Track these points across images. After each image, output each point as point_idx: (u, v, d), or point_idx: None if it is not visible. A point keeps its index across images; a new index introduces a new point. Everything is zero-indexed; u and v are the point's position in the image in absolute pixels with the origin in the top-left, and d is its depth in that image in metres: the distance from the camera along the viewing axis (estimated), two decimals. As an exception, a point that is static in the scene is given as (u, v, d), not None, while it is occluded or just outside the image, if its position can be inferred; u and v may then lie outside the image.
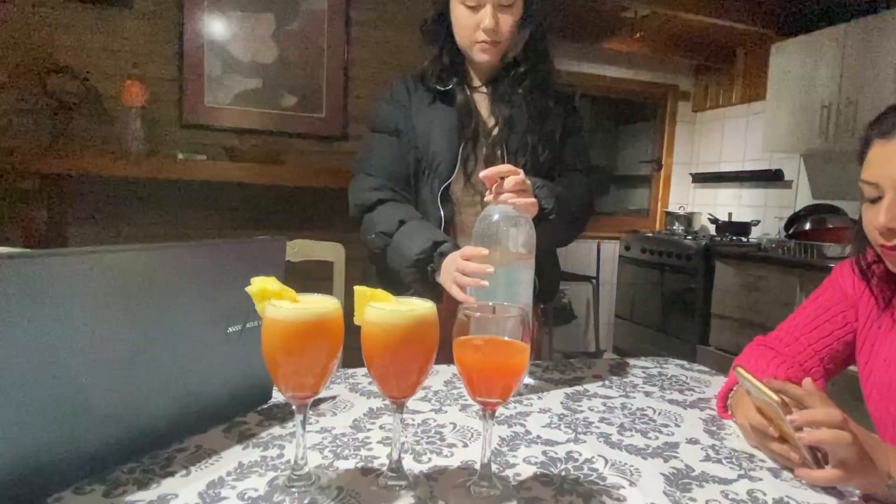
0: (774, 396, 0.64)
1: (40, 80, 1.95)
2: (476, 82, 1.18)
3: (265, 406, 0.84)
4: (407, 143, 1.16)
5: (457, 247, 1.01)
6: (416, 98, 1.17)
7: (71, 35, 2.02)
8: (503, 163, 1.06)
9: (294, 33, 2.31)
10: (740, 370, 0.69)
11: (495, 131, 1.15)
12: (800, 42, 3.22)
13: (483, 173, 0.91)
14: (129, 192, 2.09)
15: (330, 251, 1.70)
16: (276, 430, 0.76)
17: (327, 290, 1.72)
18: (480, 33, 1.07)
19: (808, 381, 0.71)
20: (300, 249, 1.67)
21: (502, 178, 0.90)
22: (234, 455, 0.68)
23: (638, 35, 3.76)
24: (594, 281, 3.72)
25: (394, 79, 1.22)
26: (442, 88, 1.15)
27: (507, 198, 0.88)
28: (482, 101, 1.18)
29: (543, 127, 1.15)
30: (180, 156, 2.06)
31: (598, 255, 4.05)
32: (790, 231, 3.23)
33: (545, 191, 1.01)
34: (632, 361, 1.17)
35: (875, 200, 0.72)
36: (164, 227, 2.18)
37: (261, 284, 0.59)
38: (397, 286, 1.20)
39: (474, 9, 1.07)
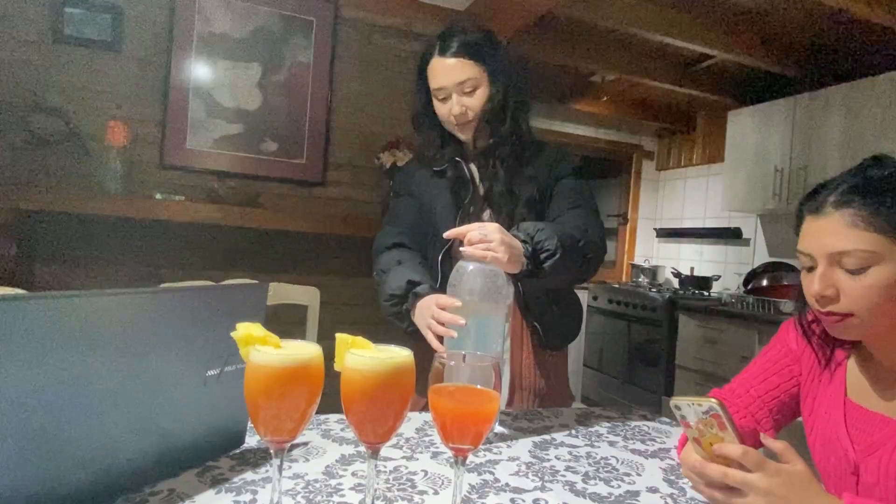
0: (713, 400, 0.67)
1: (23, 119, 1.96)
2: (471, 155, 1.28)
3: (237, 451, 0.85)
4: (419, 205, 1.29)
5: (433, 290, 1.06)
6: (419, 176, 1.31)
7: (57, 74, 2.05)
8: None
9: (279, 83, 2.39)
10: (675, 398, 0.71)
11: (482, 200, 1.24)
12: (754, 111, 3.47)
13: (446, 234, 1.00)
14: (103, 231, 2.08)
15: (305, 295, 1.72)
16: (249, 475, 0.77)
17: (300, 334, 1.73)
18: (452, 118, 1.21)
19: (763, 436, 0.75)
20: (276, 292, 1.69)
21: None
22: (207, 499, 0.69)
23: (605, 98, 3.99)
24: (563, 330, 3.78)
25: (411, 158, 1.38)
26: (437, 168, 1.27)
27: (464, 250, 0.93)
28: (477, 174, 1.28)
29: (524, 189, 1.23)
30: (158, 196, 2.07)
31: (567, 305, 4.13)
32: (748, 286, 3.38)
33: (545, 232, 1.04)
34: (597, 411, 1.21)
35: (811, 269, 0.79)
36: (137, 266, 2.16)
37: (246, 330, 0.62)
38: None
39: (444, 100, 1.21)
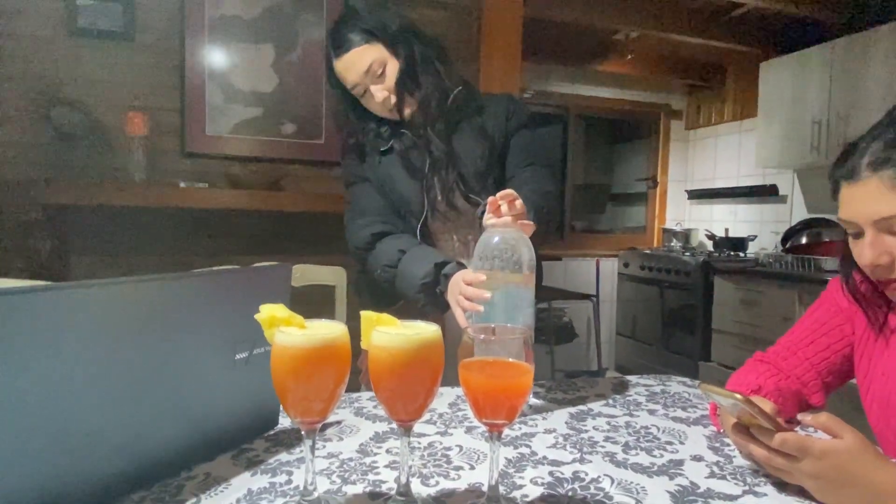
0: (738, 396, 0.65)
1: (44, 114, 1.98)
2: (411, 125, 1.22)
3: (272, 432, 0.85)
4: (380, 188, 1.23)
5: (460, 265, 1.04)
6: (368, 161, 1.25)
7: (73, 68, 2.06)
8: (459, 191, 1.18)
9: (293, 62, 2.36)
10: (703, 385, 0.70)
11: (441, 165, 1.20)
12: (788, 60, 3.29)
13: (489, 200, 0.94)
14: (131, 221, 2.11)
15: (332, 275, 1.72)
16: (284, 456, 0.76)
17: (330, 313, 1.73)
18: (379, 106, 1.18)
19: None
20: (302, 274, 1.69)
21: (511, 201, 0.92)
22: (244, 482, 0.69)
23: (629, 56, 3.84)
24: (594, 299, 3.73)
25: (345, 147, 1.30)
26: (382, 149, 1.23)
27: (506, 220, 0.90)
28: (428, 142, 1.23)
29: (472, 146, 1.20)
30: (182, 184, 2.08)
31: (597, 273, 4.07)
32: (787, 245, 3.26)
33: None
34: (634, 379, 1.18)
35: (857, 235, 0.74)
36: (166, 255, 2.19)
37: (269, 311, 0.61)
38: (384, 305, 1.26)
39: (364, 94, 1.18)
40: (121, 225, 2.11)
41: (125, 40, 2.12)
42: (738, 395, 0.65)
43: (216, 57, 2.25)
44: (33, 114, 2.00)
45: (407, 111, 1.19)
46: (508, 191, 0.93)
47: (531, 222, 0.95)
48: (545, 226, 1.08)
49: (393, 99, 1.17)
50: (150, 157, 2.10)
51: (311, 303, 1.80)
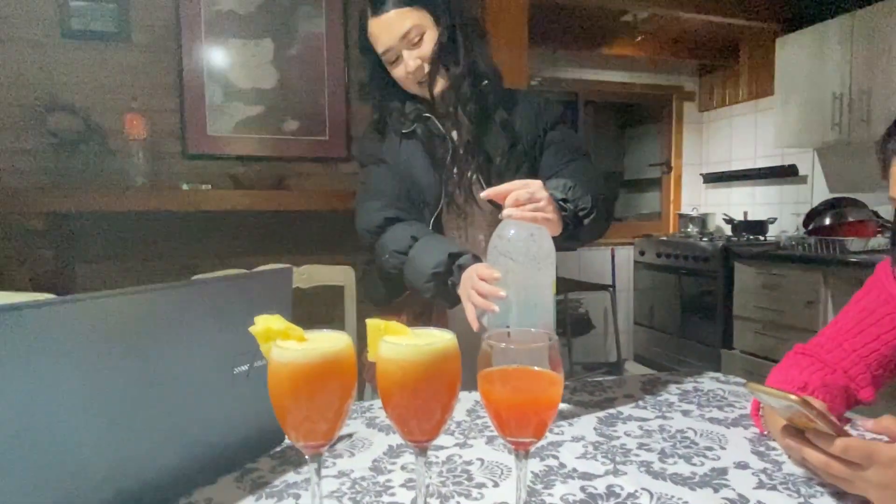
0: (793, 397, 0.58)
1: (40, 119, 1.93)
2: (438, 109, 1.16)
3: (278, 449, 0.79)
4: (397, 172, 1.16)
5: (476, 258, 0.98)
6: (387, 142, 1.18)
7: (69, 72, 2.01)
8: (479, 185, 1.12)
9: (293, 57, 2.29)
10: (751, 384, 0.63)
11: (463, 156, 1.14)
12: (806, 34, 3.17)
13: (483, 193, 0.90)
14: (136, 226, 2.07)
15: (340, 275, 1.66)
16: (291, 477, 0.71)
17: (339, 314, 1.68)
18: (411, 77, 1.11)
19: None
20: (310, 275, 1.63)
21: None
22: (246, 508, 0.63)
23: (638, 38, 3.73)
24: (611, 289, 3.64)
25: (368, 124, 1.25)
26: (405, 131, 1.16)
27: (510, 213, 0.84)
28: (452, 129, 1.18)
29: (499, 138, 1.14)
30: (185, 187, 2.03)
31: (612, 262, 3.98)
32: (809, 227, 3.14)
33: (579, 190, 0.98)
34: (664, 377, 1.10)
35: None
36: (173, 259, 2.15)
37: (264, 324, 0.54)
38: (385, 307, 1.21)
39: (396, 61, 1.11)
40: (125, 230, 2.07)
41: (120, 41, 2.07)
42: (793, 396, 0.58)
43: (214, 55, 2.19)
44: (30, 120, 1.95)
45: (437, 88, 1.11)
46: (513, 183, 0.87)
47: (552, 216, 0.89)
48: (605, 214, 1.05)
49: (426, 68, 1.09)
50: (151, 160, 2.05)
51: (321, 304, 1.76)
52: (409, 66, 1.09)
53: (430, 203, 1.14)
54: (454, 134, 1.15)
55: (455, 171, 1.14)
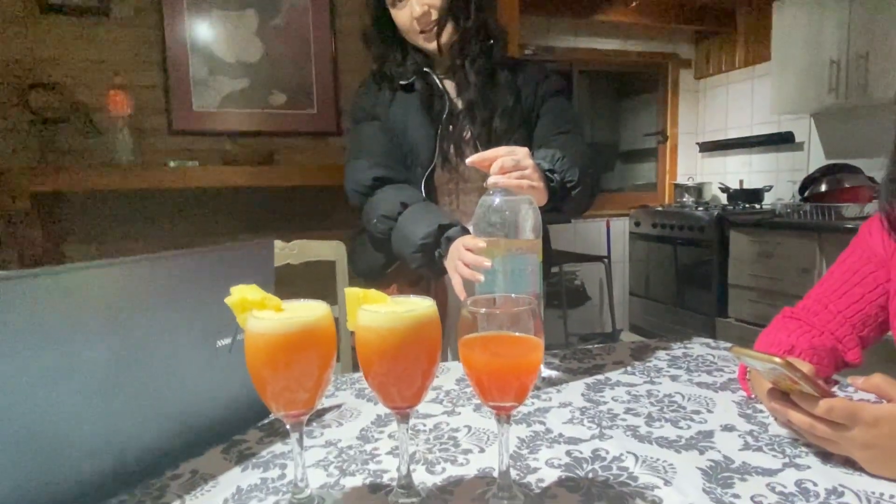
0: (776, 359, 0.57)
1: (22, 97, 1.89)
2: (439, 64, 1.14)
3: (266, 421, 0.79)
4: (390, 128, 1.14)
5: (465, 230, 0.97)
6: (381, 97, 1.16)
7: (50, 48, 1.96)
8: (474, 145, 1.09)
9: (279, 28, 2.24)
10: (736, 348, 0.63)
11: (461, 115, 1.12)
12: (803, -3, 3.10)
13: (469, 159, 0.87)
14: (122, 204, 2.05)
15: (331, 250, 1.65)
16: (278, 448, 0.71)
17: (332, 289, 1.67)
18: (415, 23, 1.07)
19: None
20: (301, 250, 1.62)
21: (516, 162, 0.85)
22: (232, 479, 0.63)
23: (633, 4, 3.65)
24: (605, 260, 3.64)
25: (365, 78, 1.22)
26: (404, 82, 1.13)
27: (496, 180, 0.82)
28: (452, 88, 1.15)
29: (500, 97, 1.12)
30: (171, 164, 2.00)
31: (607, 234, 3.97)
32: (805, 194, 3.13)
33: (567, 161, 0.97)
34: (653, 343, 1.10)
35: None
36: (164, 237, 2.13)
37: (240, 294, 0.54)
38: (376, 278, 1.20)
39: (401, 5, 1.07)
40: (113, 210, 2.05)
41: (101, 15, 2.01)
42: (777, 359, 0.57)
43: (197, 28, 2.13)
44: (11, 98, 1.91)
45: (444, 37, 1.08)
46: (498, 149, 0.85)
47: (538, 184, 0.87)
48: (591, 189, 1.03)
49: (433, 15, 1.06)
50: (137, 137, 2.01)
51: (312, 280, 1.75)
52: (416, 10, 1.06)
53: (423, 161, 1.11)
54: (452, 91, 1.13)
55: (451, 128, 1.11)
